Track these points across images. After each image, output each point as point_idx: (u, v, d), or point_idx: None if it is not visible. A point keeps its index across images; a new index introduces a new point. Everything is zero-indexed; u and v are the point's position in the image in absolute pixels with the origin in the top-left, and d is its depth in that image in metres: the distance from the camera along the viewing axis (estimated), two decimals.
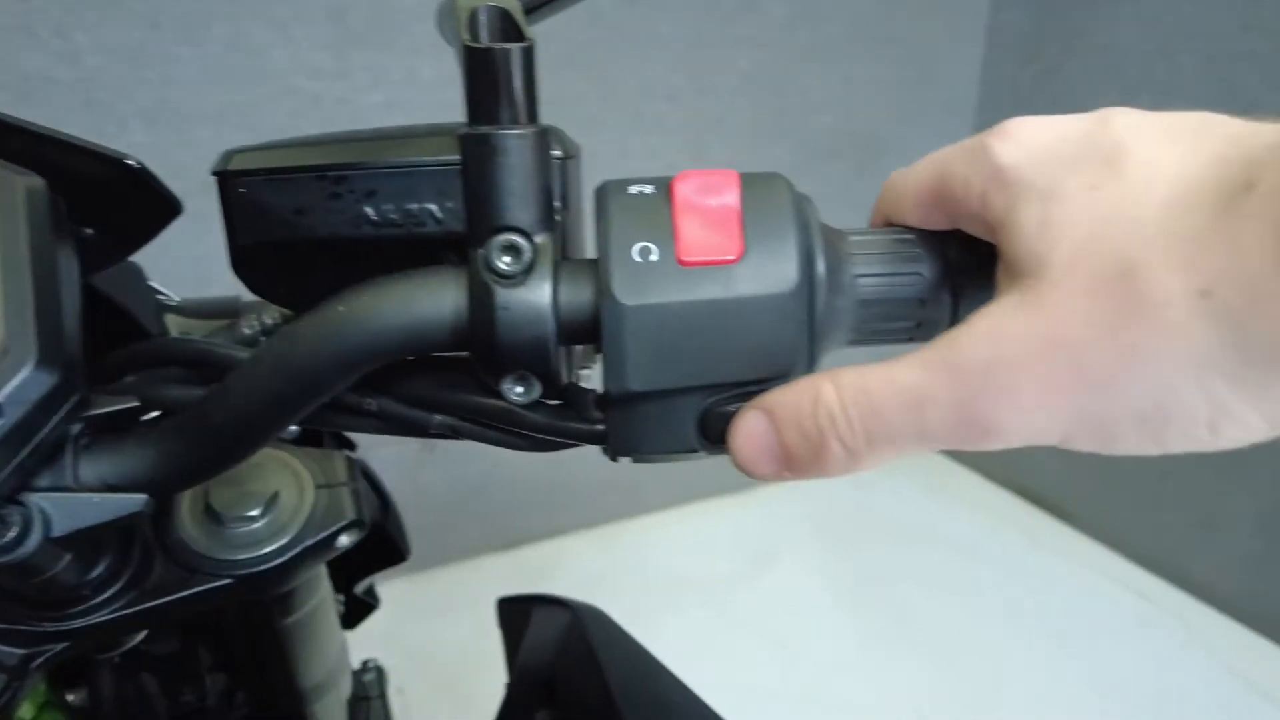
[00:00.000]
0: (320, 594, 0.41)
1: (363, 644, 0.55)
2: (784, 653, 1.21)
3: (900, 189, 0.25)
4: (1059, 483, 1.52)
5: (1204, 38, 1.17)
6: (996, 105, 1.53)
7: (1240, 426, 0.19)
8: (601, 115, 1.24)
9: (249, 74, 1.05)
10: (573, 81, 1.21)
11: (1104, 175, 0.20)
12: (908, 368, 0.21)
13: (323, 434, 0.42)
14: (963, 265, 0.25)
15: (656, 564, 1.40)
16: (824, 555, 1.43)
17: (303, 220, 0.26)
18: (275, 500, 0.34)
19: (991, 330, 0.20)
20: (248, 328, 0.31)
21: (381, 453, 1.33)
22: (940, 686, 1.15)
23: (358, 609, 0.52)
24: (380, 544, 0.45)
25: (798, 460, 0.23)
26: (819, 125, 1.41)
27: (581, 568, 1.39)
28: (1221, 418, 0.19)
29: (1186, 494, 1.31)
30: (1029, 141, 0.22)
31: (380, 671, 0.56)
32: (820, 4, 1.33)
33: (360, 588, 0.51)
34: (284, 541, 0.33)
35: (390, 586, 1.28)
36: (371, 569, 0.48)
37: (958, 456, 1.68)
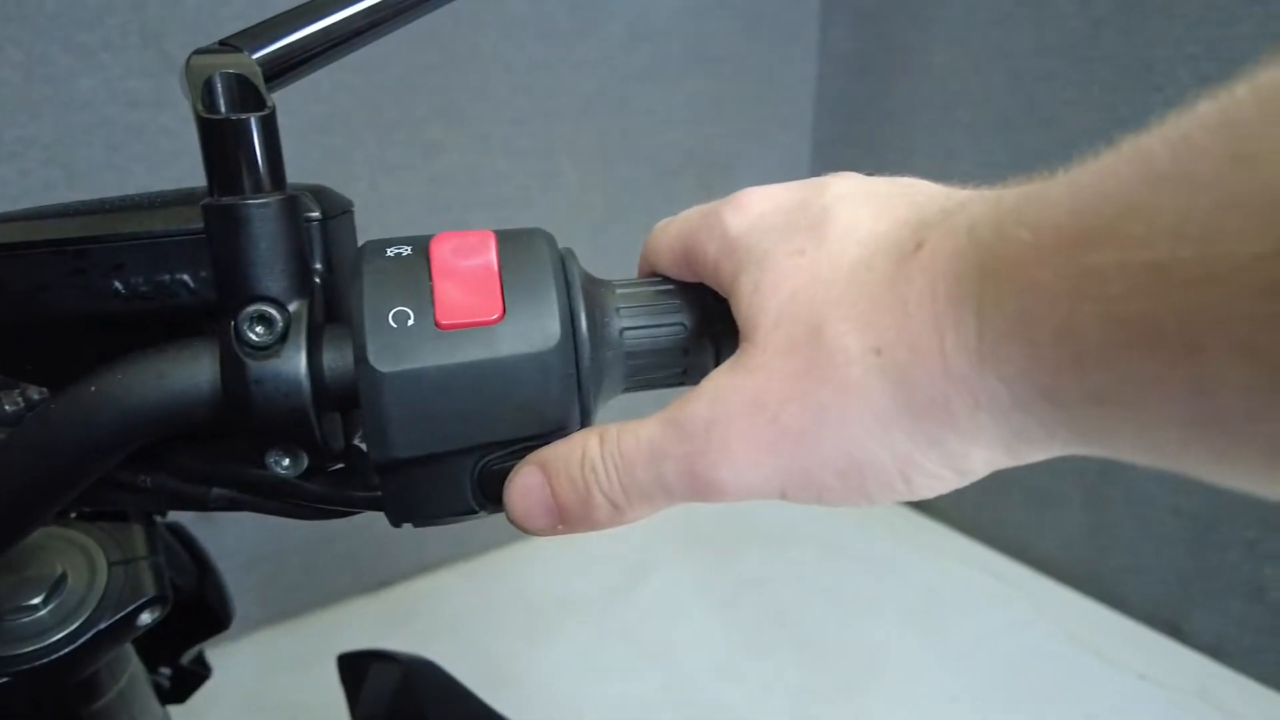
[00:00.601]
0: (129, 673, 0.38)
1: (230, 704, 0.52)
2: (663, 663, 1.22)
3: (658, 244, 0.26)
4: None
5: (1009, 57, 1.27)
6: (831, 120, 1.60)
7: (929, 477, 0.20)
8: (446, 140, 1.23)
9: (54, 104, 0.98)
10: (414, 107, 1.19)
11: (809, 241, 0.21)
12: (651, 425, 0.22)
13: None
14: (720, 314, 0.26)
15: (531, 589, 1.39)
16: (697, 563, 1.45)
17: (45, 297, 0.24)
18: (61, 584, 0.32)
19: (712, 391, 0.21)
20: (10, 404, 0.29)
21: None
22: (815, 682, 1.19)
23: (187, 680, 0.49)
24: (200, 612, 0.42)
25: (569, 513, 0.23)
26: (664, 144, 1.44)
27: (454, 602, 1.36)
28: (910, 470, 0.19)
29: (1025, 477, 1.41)
30: (754, 210, 0.23)
31: None
32: (657, 26, 1.37)
33: (188, 657, 0.48)
34: (73, 627, 0.31)
35: (255, 639, 1.23)
36: (193, 639, 0.45)
37: None
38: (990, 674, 1.20)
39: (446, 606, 1.35)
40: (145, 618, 0.33)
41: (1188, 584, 1.23)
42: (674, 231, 0.26)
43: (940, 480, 0.20)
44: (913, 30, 1.42)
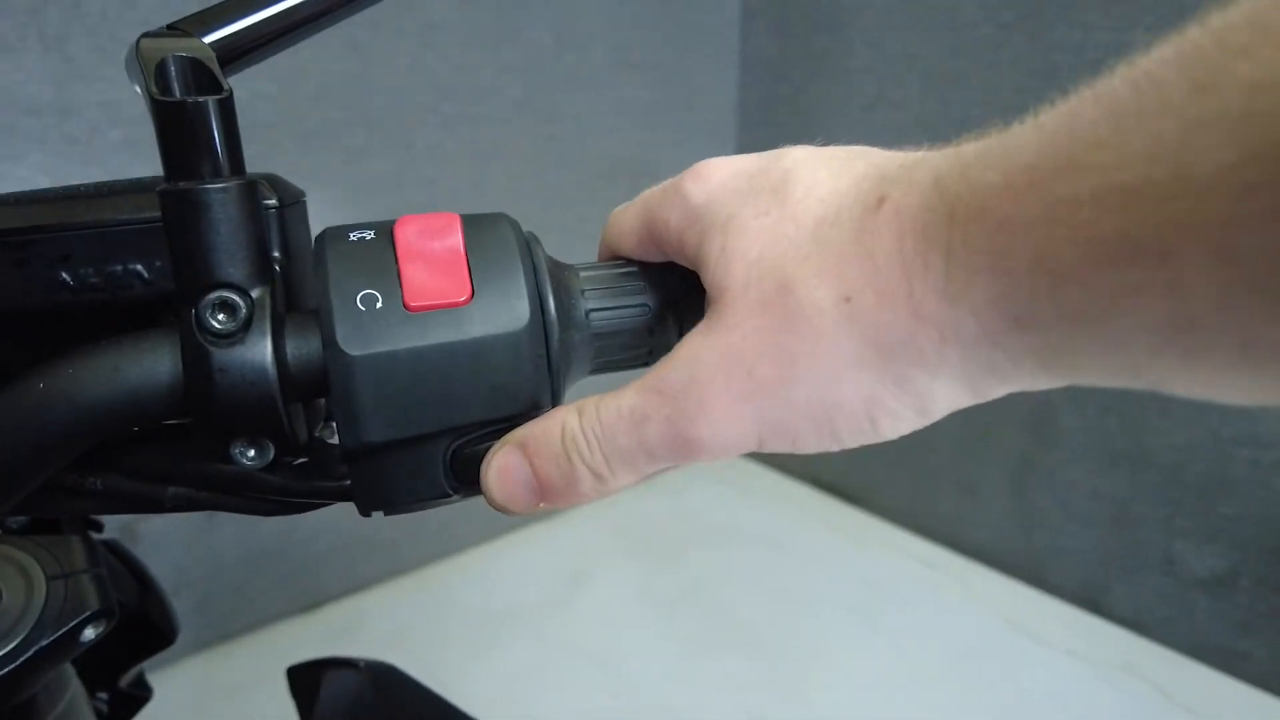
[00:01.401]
0: (69, 695, 0.36)
1: None
2: (609, 670, 1.22)
3: (619, 227, 0.27)
4: (845, 471, 1.64)
5: (923, 60, 1.32)
6: (753, 125, 1.63)
7: (894, 417, 0.21)
8: (369, 147, 1.21)
9: None
10: (334, 114, 1.16)
11: (772, 203, 0.22)
12: (629, 394, 0.22)
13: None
14: (683, 293, 0.26)
15: (469, 603, 1.36)
16: (637, 567, 1.45)
17: None
18: None
19: (688, 354, 0.22)
20: None
21: (155, 524, 1.21)
22: (760, 677, 1.20)
23: (126, 704, 0.47)
24: (142, 629, 0.40)
25: (552, 489, 0.23)
26: (593, 149, 1.44)
27: (390, 619, 1.33)
28: (876, 411, 0.20)
29: (950, 465, 1.46)
30: (714, 179, 0.23)
31: None
32: (582, 32, 1.37)
33: (126, 679, 0.46)
34: (11, 646, 0.29)
35: (190, 663, 1.17)
36: (136, 657, 0.43)
37: (755, 456, 1.76)
38: (927, 659, 1.23)
39: (385, 623, 1.32)
40: (89, 633, 0.31)
41: (1108, 562, 1.29)
42: (634, 212, 0.26)
43: (903, 420, 0.21)
44: (830, 35, 1.46)
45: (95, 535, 0.38)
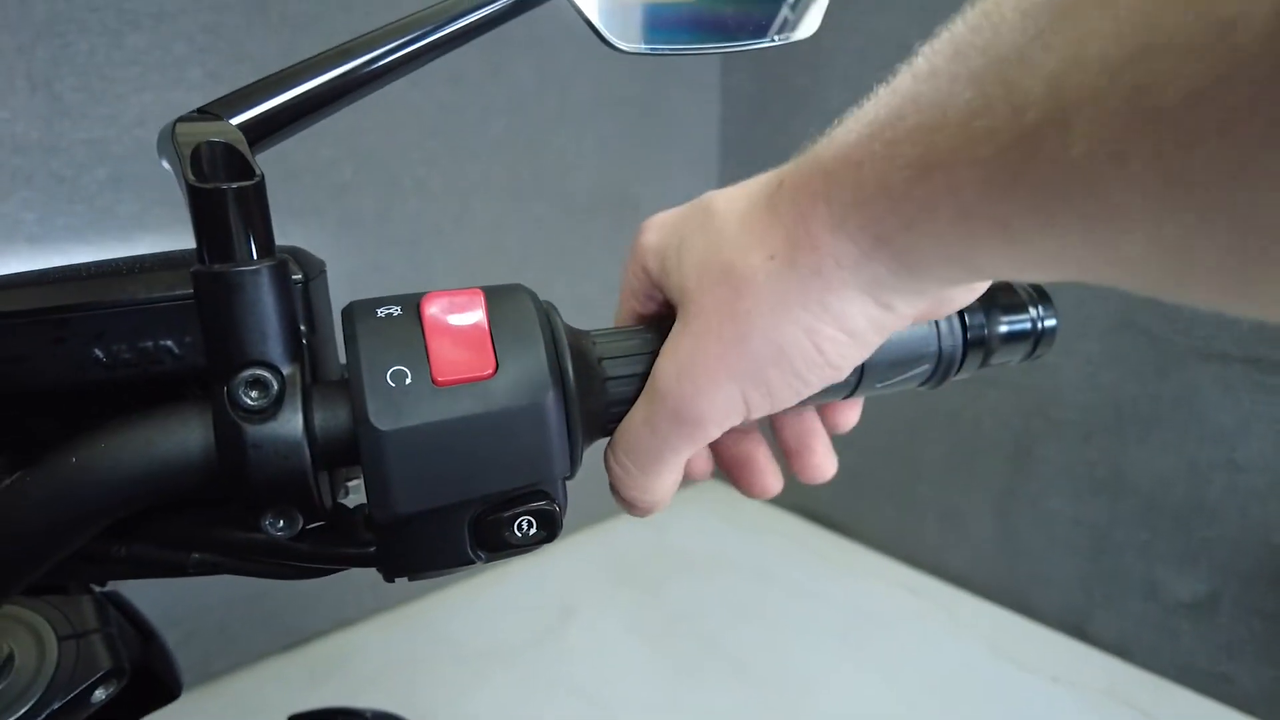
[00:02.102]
0: None
1: None
2: (597, 704, 1.21)
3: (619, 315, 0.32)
4: (832, 500, 1.65)
5: None
6: (735, 159, 1.66)
7: (832, 343, 0.25)
8: (355, 182, 1.21)
9: None
10: (321, 149, 1.17)
11: (705, 219, 0.27)
12: (639, 408, 0.28)
13: None
14: None
15: (456, 639, 1.35)
16: (625, 599, 1.45)
17: (21, 369, 0.23)
18: (8, 664, 0.30)
19: (671, 352, 0.26)
20: None
21: None
22: (750, 707, 1.20)
23: None
24: (145, 683, 0.40)
25: (626, 506, 0.30)
26: (575, 185, 1.46)
27: (378, 656, 1.32)
28: (817, 338, 0.25)
29: (935, 495, 1.47)
30: (660, 225, 0.29)
31: None
32: (565, 70, 1.39)
33: None
34: (24, 710, 0.29)
35: (172, 705, 1.15)
36: (139, 712, 0.43)
37: None
38: (914, 686, 1.24)
39: (370, 661, 1.31)
40: (100, 694, 0.31)
41: (1090, 589, 1.30)
42: (621, 300, 0.31)
43: (841, 344, 0.25)
44: (808, 73, 1.49)
45: (96, 587, 0.38)
